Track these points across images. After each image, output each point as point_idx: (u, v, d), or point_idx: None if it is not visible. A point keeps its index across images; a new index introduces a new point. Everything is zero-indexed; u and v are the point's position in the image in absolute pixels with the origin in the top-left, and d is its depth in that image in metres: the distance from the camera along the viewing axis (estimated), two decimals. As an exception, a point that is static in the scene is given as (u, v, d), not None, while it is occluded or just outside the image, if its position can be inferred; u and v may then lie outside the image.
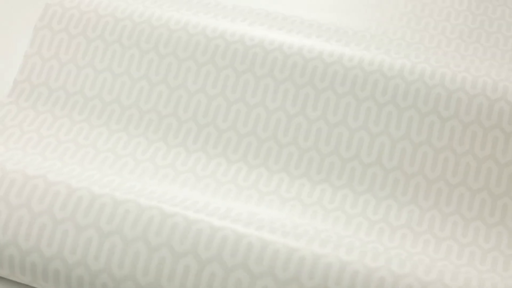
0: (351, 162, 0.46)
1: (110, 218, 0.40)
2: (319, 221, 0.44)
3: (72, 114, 0.49)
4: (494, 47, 0.51)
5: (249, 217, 0.42)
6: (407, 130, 0.46)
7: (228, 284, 0.39)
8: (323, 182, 0.46)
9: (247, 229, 0.40)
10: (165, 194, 0.43)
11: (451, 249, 0.42)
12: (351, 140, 0.47)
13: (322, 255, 0.39)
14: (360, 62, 0.48)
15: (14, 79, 0.51)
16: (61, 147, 0.47)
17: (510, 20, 0.53)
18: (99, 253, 0.40)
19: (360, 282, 0.38)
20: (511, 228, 0.43)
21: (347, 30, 0.52)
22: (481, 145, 0.44)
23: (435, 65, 0.47)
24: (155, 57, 0.49)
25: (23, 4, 0.58)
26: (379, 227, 0.44)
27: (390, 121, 0.46)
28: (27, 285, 0.43)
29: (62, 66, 0.50)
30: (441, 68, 0.47)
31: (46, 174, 0.43)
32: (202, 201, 0.43)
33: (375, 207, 0.45)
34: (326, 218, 0.44)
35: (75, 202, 0.41)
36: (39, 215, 0.41)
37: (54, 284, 0.40)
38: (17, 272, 0.41)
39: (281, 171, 0.46)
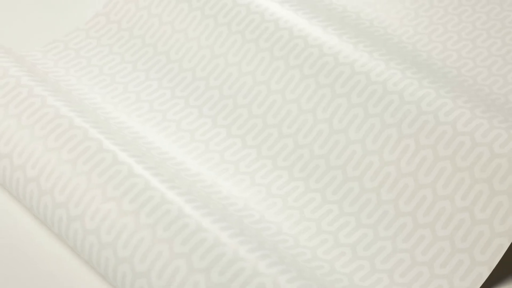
0: (335, 171, 0.45)
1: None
2: (273, 211, 0.44)
3: (125, 55, 0.52)
4: None
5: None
6: (399, 156, 0.44)
7: None
8: (300, 180, 0.45)
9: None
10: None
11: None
12: (344, 150, 0.46)
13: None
14: (386, 80, 0.46)
15: (96, 12, 0.55)
16: (108, 82, 0.51)
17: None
18: None
19: None
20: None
21: (390, 36, 0.52)
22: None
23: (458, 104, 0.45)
24: (226, 30, 0.51)
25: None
26: (324, 238, 0.43)
27: (387, 143, 0.45)
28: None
29: (137, 11, 0.54)
30: (459, 109, 0.45)
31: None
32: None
33: (333, 219, 0.44)
34: (281, 211, 0.44)
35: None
36: None
37: None
38: None
39: (269, 158, 0.47)
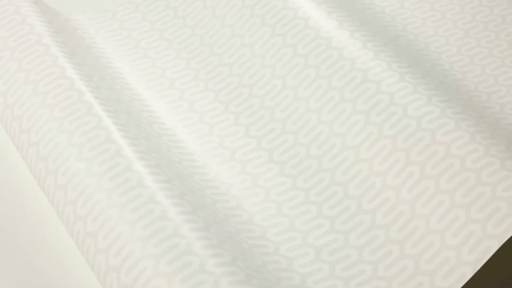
0: (324, 173, 0.45)
1: None
2: (252, 200, 0.44)
3: (165, 33, 0.54)
4: None
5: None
6: (388, 169, 0.44)
7: None
8: (289, 176, 0.45)
9: None
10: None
11: None
12: (338, 154, 0.45)
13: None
14: (395, 92, 0.46)
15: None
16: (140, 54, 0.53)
17: None
18: None
19: None
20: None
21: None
22: None
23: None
24: (259, 22, 0.52)
25: None
26: (293, 236, 0.43)
27: (379, 154, 0.44)
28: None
29: None
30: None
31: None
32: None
33: (309, 220, 0.43)
34: (260, 202, 0.44)
35: None
36: None
37: None
38: None
39: (266, 150, 0.47)
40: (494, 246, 0.39)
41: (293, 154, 0.46)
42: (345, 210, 0.43)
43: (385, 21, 0.55)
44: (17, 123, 0.45)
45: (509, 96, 0.49)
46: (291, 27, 0.51)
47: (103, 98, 0.45)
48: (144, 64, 0.52)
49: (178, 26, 0.55)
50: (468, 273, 0.39)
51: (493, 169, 0.41)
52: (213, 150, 0.47)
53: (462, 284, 0.39)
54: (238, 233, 0.42)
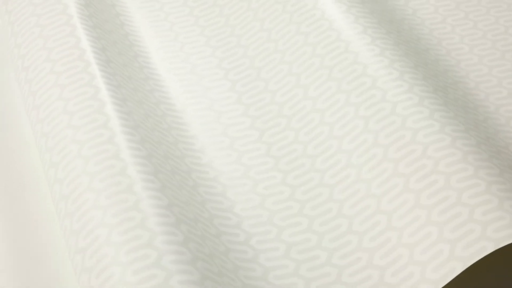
0: (315, 173, 0.45)
1: None
2: (232, 175, 0.45)
3: (195, 10, 0.55)
4: None
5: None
6: (374, 177, 0.43)
7: None
8: (281, 172, 0.46)
9: None
10: None
11: None
12: (331, 157, 0.45)
13: None
14: (398, 102, 0.45)
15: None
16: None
17: None
18: None
19: None
20: None
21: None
22: None
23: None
24: (287, 19, 0.52)
25: None
26: (259, 213, 0.43)
27: (369, 162, 0.44)
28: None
29: None
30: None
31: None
32: None
33: (287, 216, 0.43)
34: (238, 178, 0.45)
35: None
36: None
37: None
38: None
39: (266, 144, 0.47)
40: (458, 268, 0.38)
41: (290, 150, 0.47)
42: (326, 212, 0.43)
43: (421, 33, 0.54)
44: (31, 98, 0.47)
45: None
46: (315, 28, 0.51)
47: (115, 84, 0.46)
48: (172, 46, 0.54)
49: (214, 14, 0.55)
50: None
51: (477, 191, 0.40)
52: (214, 137, 0.48)
53: None
54: (211, 218, 0.42)
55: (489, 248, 0.38)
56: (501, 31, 0.54)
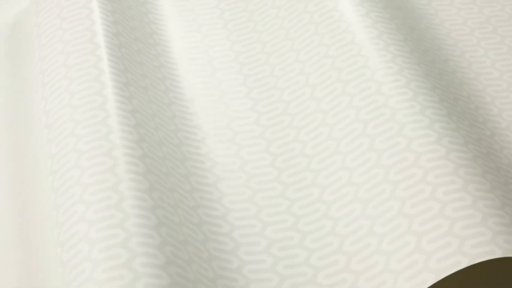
0: (308, 173, 0.45)
1: None
2: (225, 168, 0.45)
3: (222, 3, 0.56)
4: None
5: None
6: (363, 183, 0.43)
7: None
8: (275, 168, 0.46)
9: None
10: None
11: None
12: (327, 158, 0.45)
13: None
14: (398, 110, 0.45)
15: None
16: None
17: None
18: None
19: None
20: None
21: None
22: None
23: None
24: (307, 18, 0.53)
25: None
26: (247, 207, 0.43)
27: (361, 166, 0.44)
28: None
29: None
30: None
31: None
32: None
33: (274, 213, 0.43)
34: (230, 171, 0.45)
35: None
36: None
37: None
38: None
39: (266, 140, 0.47)
40: (429, 280, 0.38)
41: (289, 149, 0.47)
42: (313, 213, 0.43)
43: (445, 43, 0.54)
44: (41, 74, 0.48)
45: None
46: (332, 29, 0.51)
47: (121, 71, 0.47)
48: (193, 37, 0.54)
49: (240, 9, 0.56)
50: None
51: (461, 204, 0.40)
52: (218, 129, 0.48)
53: None
54: (196, 207, 0.43)
55: (463, 263, 0.38)
56: None
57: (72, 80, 0.46)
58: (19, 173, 0.46)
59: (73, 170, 0.41)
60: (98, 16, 0.50)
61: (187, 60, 0.53)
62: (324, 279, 0.40)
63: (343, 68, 0.48)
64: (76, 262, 0.37)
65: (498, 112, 0.49)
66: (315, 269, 0.41)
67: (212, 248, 0.41)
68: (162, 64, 0.51)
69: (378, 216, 0.41)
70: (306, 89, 0.49)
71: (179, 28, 0.55)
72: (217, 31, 0.55)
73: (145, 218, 0.38)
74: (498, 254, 0.38)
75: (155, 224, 0.38)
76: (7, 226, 0.43)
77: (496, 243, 0.38)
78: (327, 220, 0.43)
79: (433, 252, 0.38)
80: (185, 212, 0.42)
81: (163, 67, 0.51)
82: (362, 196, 0.43)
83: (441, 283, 0.40)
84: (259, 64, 0.52)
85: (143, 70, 0.49)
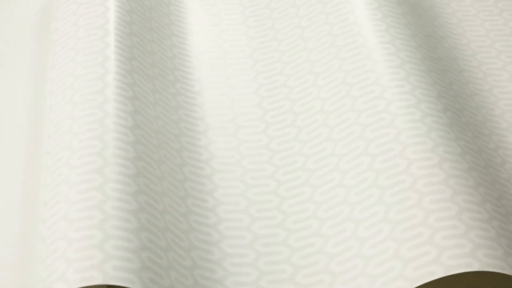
0: (303, 172, 0.45)
1: None
2: (222, 160, 0.46)
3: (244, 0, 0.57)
4: None
5: None
6: (353, 185, 0.43)
7: None
8: (272, 165, 0.46)
9: None
10: None
11: None
12: (323, 159, 0.45)
13: None
14: (396, 116, 0.44)
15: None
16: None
17: None
18: None
19: None
20: None
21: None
22: None
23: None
24: (324, 17, 0.53)
25: None
26: (237, 202, 0.44)
27: (354, 169, 0.43)
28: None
29: None
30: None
31: None
32: None
33: (264, 209, 0.44)
34: (226, 163, 0.45)
35: None
36: None
37: None
38: None
39: (268, 137, 0.48)
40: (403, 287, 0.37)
41: (288, 147, 0.47)
42: (301, 211, 0.43)
43: (462, 53, 0.53)
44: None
45: None
46: (343, 32, 0.51)
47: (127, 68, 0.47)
48: (211, 31, 0.55)
49: (261, 6, 0.56)
50: None
51: (446, 214, 0.39)
52: (222, 122, 0.48)
53: None
54: (186, 197, 0.43)
55: (438, 273, 0.37)
56: None
57: (77, 63, 0.47)
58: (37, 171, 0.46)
59: (64, 151, 0.42)
60: (113, 3, 0.50)
61: (201, 52, 0.53)
62: (302, 278, 0.40)
63: (350, 71, 0.48)
64: (57, 256, 0.37)
65: (507, 126, 0.48)
66: (295, 267, 0.41)
67: (194, 238, 0.41)
68: (175, 55, 0.52)
69: (363, 220, 0.41)
70: (313, 89, 0.49)
71: (200, 21, 0.55)
72: (236, 26, 0.55)
73: (126, 202, 0.39)
74: (475, 267, 0.37)
75: (134, 209, 0.39)
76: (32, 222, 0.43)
77: (475, 256, 0.37)
78: (314, 220, 0.43)
79: (410, 260, 0.38)
80: (172, 201, 0.42)
81: (175, 58, 0.52)
82: (351, 199, 0.42)
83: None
84: (272, 61, 0.52)
85: (153, 59, 0.49)
